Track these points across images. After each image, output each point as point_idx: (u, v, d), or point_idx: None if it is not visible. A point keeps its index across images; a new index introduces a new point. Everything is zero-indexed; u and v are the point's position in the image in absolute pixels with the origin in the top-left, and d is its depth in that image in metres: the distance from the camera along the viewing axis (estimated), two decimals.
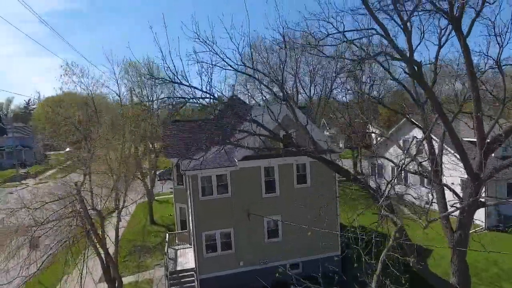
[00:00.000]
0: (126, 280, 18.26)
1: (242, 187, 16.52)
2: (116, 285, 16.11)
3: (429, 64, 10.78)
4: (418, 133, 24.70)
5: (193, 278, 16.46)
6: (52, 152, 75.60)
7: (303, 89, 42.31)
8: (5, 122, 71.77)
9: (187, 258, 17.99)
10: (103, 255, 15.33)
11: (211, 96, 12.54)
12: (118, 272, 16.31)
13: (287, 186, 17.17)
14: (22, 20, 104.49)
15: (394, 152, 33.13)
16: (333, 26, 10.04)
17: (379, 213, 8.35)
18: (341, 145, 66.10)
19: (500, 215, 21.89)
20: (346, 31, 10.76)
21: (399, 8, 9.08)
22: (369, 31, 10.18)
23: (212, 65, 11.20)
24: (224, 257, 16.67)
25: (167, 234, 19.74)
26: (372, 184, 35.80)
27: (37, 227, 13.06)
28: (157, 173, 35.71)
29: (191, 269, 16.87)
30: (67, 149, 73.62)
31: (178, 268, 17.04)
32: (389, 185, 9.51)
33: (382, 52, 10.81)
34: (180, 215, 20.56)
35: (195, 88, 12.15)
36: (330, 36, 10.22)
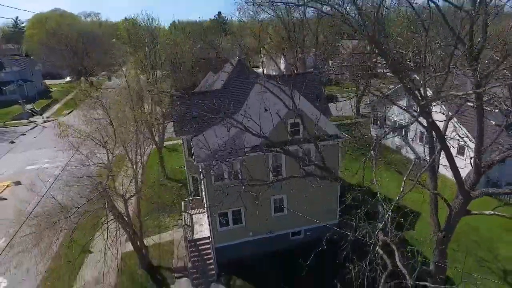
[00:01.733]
0: (150, 240, 21.04)
1: (251, 172, 17.71)
2: (143, 251, 18.82)
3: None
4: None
5: (209, 246, 19.05)
6: (52, 81, 74.60)
7: (310, 30, 40.04)
8: None
9: (202, 226, 20.38)
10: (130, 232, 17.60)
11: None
12: (143, 243, 18.87)
13: (292, 169, 18.36)
14: None
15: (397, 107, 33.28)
16: None
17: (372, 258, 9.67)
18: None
19: (489, 180, 23.57)
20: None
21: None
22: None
23: None
24: (236, 230, 18.95)
25: (182, 202, 21.81)
26: (373, 132, 36.82)
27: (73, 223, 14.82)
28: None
29: (207, 237, 19.34)
30: (68, 78, 72.64)
31: (195, 236, 19.49)
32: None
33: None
34: (193, 183, 22.32)
35: None
36: None
